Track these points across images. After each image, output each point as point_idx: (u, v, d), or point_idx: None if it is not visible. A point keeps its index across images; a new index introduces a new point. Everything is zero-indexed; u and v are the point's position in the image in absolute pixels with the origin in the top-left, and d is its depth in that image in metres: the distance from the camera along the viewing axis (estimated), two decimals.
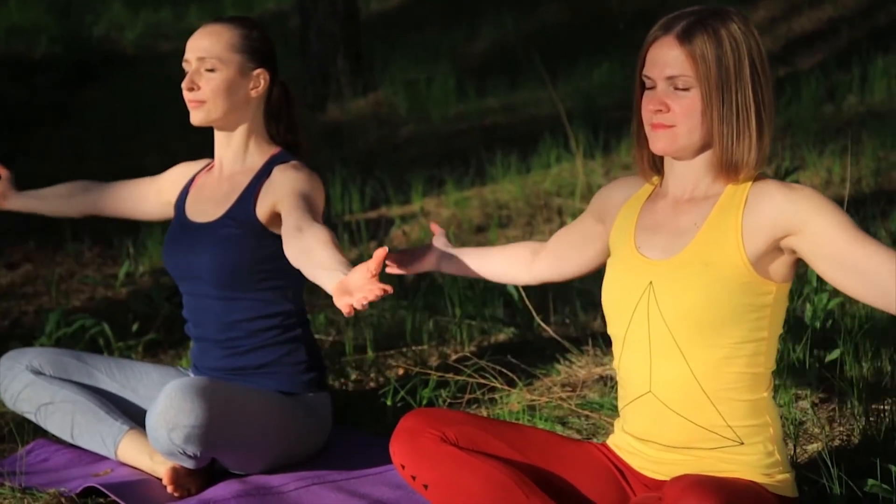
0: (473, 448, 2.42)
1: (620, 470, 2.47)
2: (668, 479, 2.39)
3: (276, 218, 2.95)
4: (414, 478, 2.42)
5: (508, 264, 2.75)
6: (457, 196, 5.59)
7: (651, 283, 2.34)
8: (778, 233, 2.25)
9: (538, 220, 5.25)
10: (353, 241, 5.03)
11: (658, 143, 2.34)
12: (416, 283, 4.25)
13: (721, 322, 2.29)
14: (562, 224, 5.12)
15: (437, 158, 6.28)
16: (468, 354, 3.44)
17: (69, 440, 3.06)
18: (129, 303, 4.11)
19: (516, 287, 3.80)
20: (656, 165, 2.46)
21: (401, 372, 3.52)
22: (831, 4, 8.16)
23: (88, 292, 4.30)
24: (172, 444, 2.73)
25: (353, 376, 3.54)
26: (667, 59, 2.32)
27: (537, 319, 3.58)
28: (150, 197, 3.28)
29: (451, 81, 7.27)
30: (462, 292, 3.86)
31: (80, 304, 4.12)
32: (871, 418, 2.88)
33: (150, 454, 2.96)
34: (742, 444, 2.34)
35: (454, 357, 3.60)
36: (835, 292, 3.46)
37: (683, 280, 2.30)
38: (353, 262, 4.67)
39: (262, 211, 2.96)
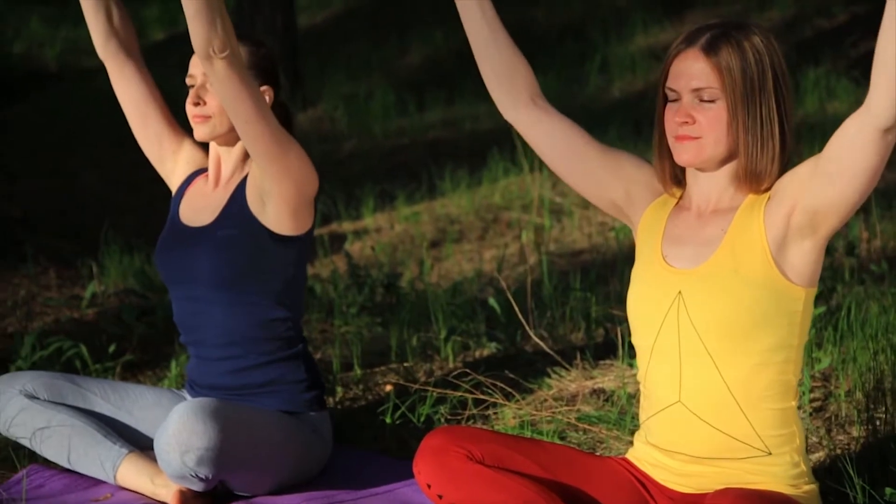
0: (500, 466, 2.40)
1: (643, 483, 2.47)
2: (693, 491, 2.39)
3: (265, 202, 2.89)
4: (440, 497, 2.40)
5: (507, 76, 2.51)
6: (407, 211, 5.56)
7: (680, 292, 2.35)
8: (787, 208, 2.28)
9: (491, 234, 5.24)
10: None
11: (684, 154, 2.36)
12: (387, 298, 4.21)
13: (752, 328, 2.30)
14: (516, 238, 5.11)
15: (383, 173, 6.25)
16: (467, 371, 3.41)
17: (66, 465, 2.96)
18: (100, 324, 4.01)
19: (498, 302, 3.79)
20: (678, 177, 2.46)
21: (388, 388, 3.48)
22: (757, 18, 8.30)
23: (53, 314, 4.19)
24: (185, 466, 2.67)
25: (341, 394, 3.49)
26: (692, 71, 2.34)
27: (531, 334, 3.56)
28: (162, 141, 3.12)
29: (391, 96, 7.24)
30: (444, 307, 3.83)
31: (47, 327, 4.00)
32: (875, 425, 2.91)
33: (151, 477, 2.88)
34: (770, 454, 2.35)
35: (439, 372, 3.57)
36: (818, 299, 3.50)
37: (713, 287, 2.31)
38: (311, 278, 4.61)
39: (251, 196, 2.91)
